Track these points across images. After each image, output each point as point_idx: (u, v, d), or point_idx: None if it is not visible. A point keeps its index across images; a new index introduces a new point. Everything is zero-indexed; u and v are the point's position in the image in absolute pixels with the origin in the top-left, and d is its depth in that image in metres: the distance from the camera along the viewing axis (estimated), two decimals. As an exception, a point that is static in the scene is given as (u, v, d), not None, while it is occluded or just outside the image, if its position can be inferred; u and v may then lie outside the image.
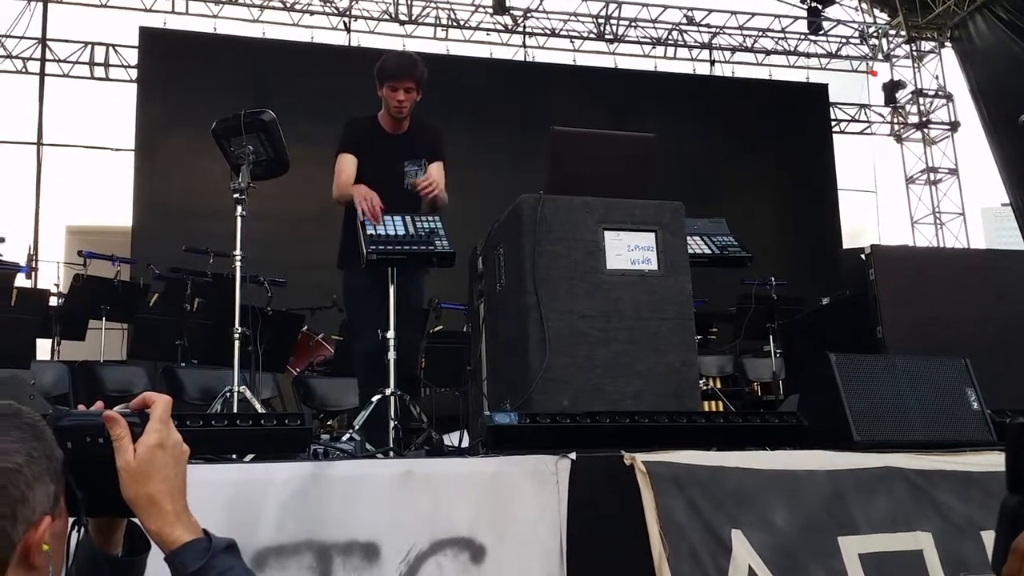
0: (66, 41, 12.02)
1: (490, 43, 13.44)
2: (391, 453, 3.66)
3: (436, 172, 4.65)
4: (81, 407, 1.39)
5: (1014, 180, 12.96)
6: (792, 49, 14.58)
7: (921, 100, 15.07)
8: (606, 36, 13.80)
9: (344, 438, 3.82)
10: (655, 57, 14.09)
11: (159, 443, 1.33)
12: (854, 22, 14.86)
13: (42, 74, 11.76)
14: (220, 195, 4.43)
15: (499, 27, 13.36)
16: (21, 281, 7.90)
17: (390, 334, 4.04)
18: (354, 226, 4.27)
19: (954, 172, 15.02)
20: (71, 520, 1.30)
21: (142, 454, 1.31)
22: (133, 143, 11.31)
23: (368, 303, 4.40)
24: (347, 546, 2.37)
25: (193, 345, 6.65)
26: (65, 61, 12.02)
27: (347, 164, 4.60)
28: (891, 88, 14.70)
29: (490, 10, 13.00)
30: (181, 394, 5.91)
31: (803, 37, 14.48)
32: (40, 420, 1.23)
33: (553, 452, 2.62)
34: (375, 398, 3.99)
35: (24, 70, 11.85)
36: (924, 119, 15.09)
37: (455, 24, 13.25)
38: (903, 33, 14.85)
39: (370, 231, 4.02)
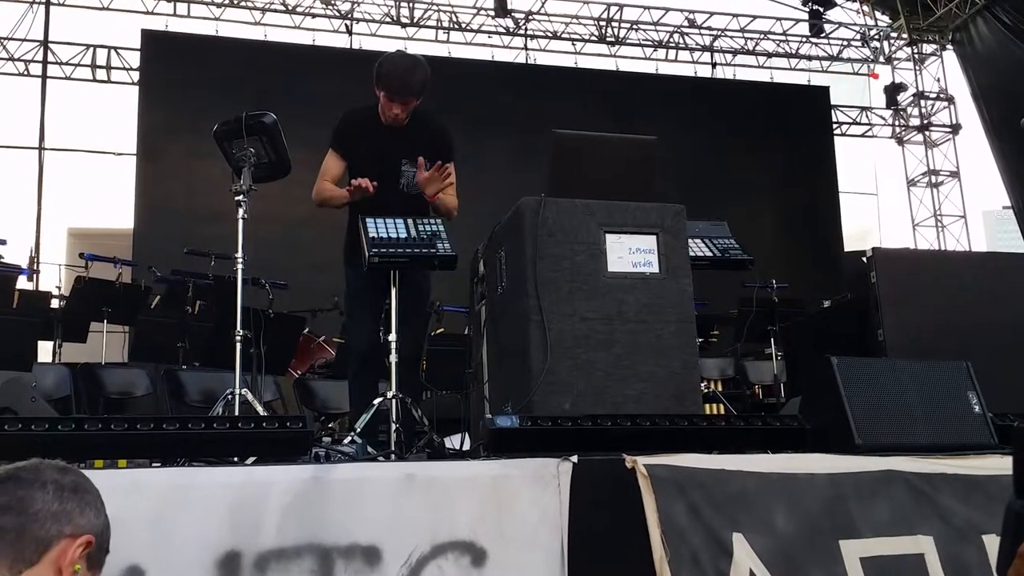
0: (68, 44, 12.04)
1: (492, 46, 13.47)
2: (392, 456, 3.65)
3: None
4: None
5: (1015, 183, 12.95)
6: (793, 52, 14.58)
7: (922, 103, 15.07)
8: (607, 39, 13.81)
9: (346, 441, 3.82)
10: (656, 60, 14.10)
11: None
12: (855, 25, 14.87)
13: (44, 77, 11.78)
14: (221, 197, 4.41)
15: (501, 30, 13.37)
16: (23, 283, 7.92)
17: (392, 337, 4.02)
18: (358, 224, 4.23)
19: (955, 175, 15.02)
20: None
21: None
22: (135, 145, 11.32)
23: (366, 301, 4.36)
24: (349, 549, 2.37)
25: (194, 347, 6.65)
26: (67, 64, 12.04)
27: (331, 166, 4.44)
28: (892, 91, 14.70)
29: (492, 13, 13.01)
30: (182, 396, 5.91)
31: (804, 40, 14.49)
32: None
33: (555, 455, 2.62)
34: (376, 400, 3.97)
35: (26, 73, 11.87)
36: (925, 122, 15.09)
37: (457, 27, 13.26)
38: (904, 36, 14.85)
39: (372, 233, 3.95)
